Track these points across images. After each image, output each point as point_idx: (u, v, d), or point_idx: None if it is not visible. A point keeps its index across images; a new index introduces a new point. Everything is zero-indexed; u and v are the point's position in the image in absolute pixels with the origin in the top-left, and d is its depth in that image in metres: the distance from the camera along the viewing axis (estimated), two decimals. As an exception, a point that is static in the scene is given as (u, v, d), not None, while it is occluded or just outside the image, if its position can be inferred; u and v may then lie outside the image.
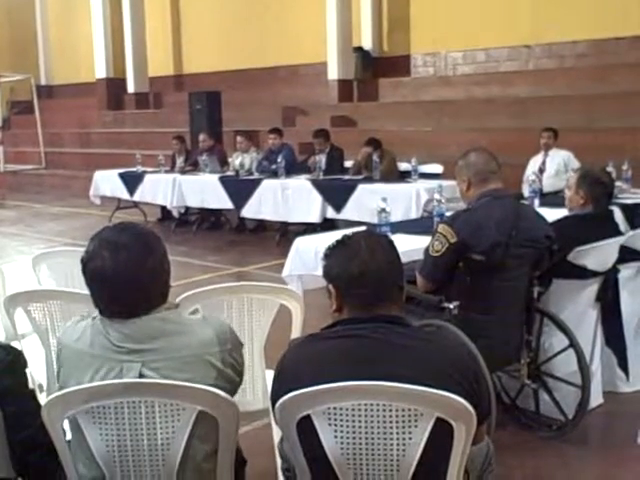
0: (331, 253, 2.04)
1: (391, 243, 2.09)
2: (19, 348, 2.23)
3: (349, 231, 2.14)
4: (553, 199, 5.87)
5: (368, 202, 7.50)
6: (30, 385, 2.17)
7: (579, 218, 3.91)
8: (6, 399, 2.00)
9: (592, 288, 3.85)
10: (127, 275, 1.92)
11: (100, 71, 18.38)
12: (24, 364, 2.12)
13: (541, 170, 8.21)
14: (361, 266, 1.96)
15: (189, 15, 17.98)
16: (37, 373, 3.06)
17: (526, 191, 6.63)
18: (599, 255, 3.77)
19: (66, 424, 1.96)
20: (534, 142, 8.51)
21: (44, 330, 3.02)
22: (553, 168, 8.23)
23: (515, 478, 3.33)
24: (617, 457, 3.55)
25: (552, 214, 4.10)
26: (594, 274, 3.79)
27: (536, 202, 5.81)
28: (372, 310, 1.97)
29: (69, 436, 1.98)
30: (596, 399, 3.88)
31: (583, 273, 3.74)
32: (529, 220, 3.45)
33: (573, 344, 3.59)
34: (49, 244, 8.94)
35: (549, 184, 7.80)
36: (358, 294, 1.97)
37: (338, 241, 2.06)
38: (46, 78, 21.48)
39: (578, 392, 3.58)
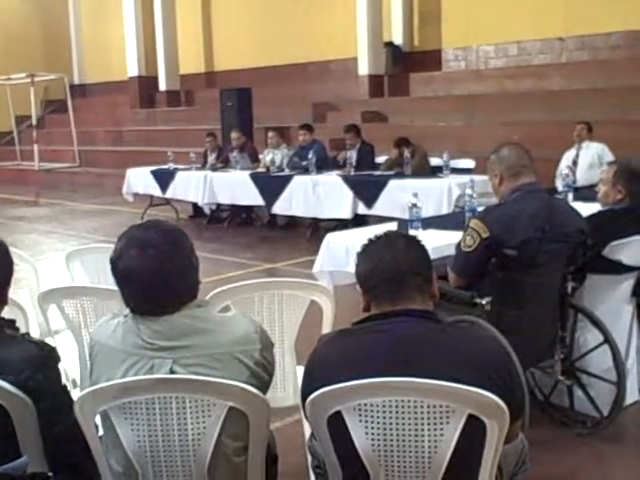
0: (357, 254, 2.10)
1: (411, 238, 2.14)
2: (52, 344, 2.25)
3: (378, 228, 2.16)
4: (587, 193, 5.76)
5: (399, 197, 7.47)
6: (63, 381, 2.19)
7: (614, 212, 3.84)
8: (40, 395, 2.02)
9: (628, 283, 3.79)
10: (155, 272, 1.93)
11: (132, 69, 18.57)
12: (57, 360, 2.14)
13: (575, 163, 8.10)
14: (373, 261, 2.02)
15: (220, 12, 18.06)
16: (70, 369, 3.09)
17: (560, 185, 6.54)
18: (635, 250, 3.71)
19: (98, 419, 1.97)
20: (568, 136, 8.41)
21: (77, 326, 3.05)
22: (587, 161, 8.11)
23: (550, 476, 3.29)
24: (653, 454, 3.50)
25: (586, 208, 4.04)
26: (630, 269, 3.73)
27: (570, 196, 5.72)
28: (396, 304, 1.98)
29: (101, 431, 2.00)
30: (631, 396, 3.82)
31: (618, 268, 3.68)
32: (563, 214, 3.40)
33: (608, 340, 3.54)
34: (82, 241, 9.02)
35: (583, 178, 7.66)
36: (375, 289, 2.01)
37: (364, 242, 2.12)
38: (79, 77, 21.74)
39: (613, 389, 3.53)
